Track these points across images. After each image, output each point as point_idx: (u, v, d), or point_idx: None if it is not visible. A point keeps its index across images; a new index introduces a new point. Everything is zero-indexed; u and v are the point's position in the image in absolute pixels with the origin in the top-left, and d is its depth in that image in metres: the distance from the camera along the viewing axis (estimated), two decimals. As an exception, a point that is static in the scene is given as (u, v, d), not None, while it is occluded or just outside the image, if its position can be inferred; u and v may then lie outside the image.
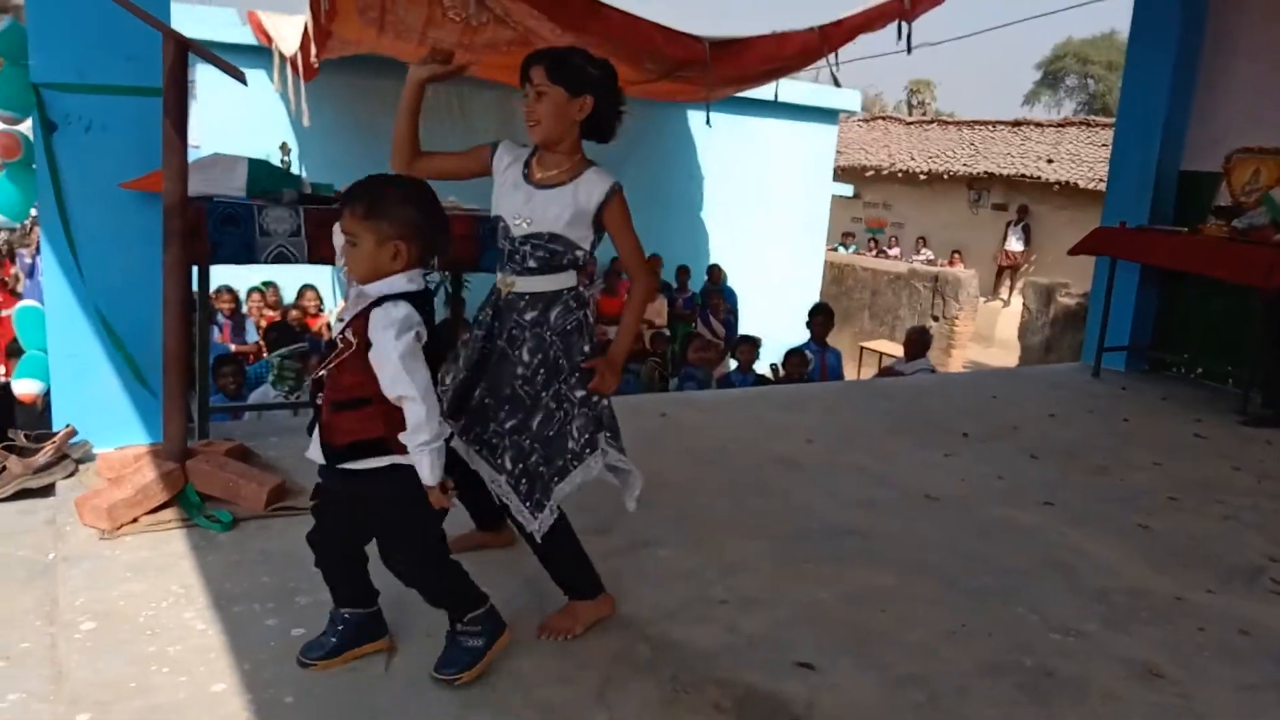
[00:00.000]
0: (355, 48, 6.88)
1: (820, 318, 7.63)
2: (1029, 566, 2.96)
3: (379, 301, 1.94)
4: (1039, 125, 18.71)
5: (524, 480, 2.33)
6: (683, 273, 10.82)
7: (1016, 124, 18.90)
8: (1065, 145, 17.37)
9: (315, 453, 2.05)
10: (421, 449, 1.92)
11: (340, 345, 1.99)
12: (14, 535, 2.83)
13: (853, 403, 4.97)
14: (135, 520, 2.74)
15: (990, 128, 18.95)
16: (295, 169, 4.50)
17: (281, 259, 3.21)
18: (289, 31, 7.27)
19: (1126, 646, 2.49)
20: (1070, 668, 2.36)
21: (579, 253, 2.35)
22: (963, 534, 3.18)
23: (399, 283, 1.97)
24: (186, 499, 2.84)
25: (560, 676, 2.18)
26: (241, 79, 2.78)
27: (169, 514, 2.81)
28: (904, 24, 6.29)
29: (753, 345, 7.11)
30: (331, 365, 1.99)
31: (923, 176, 18.75)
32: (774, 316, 10.95)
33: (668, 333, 10.05)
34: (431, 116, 8.64)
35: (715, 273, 10.88)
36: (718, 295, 10.48)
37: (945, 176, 18.36)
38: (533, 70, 2.30)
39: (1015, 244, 17.04)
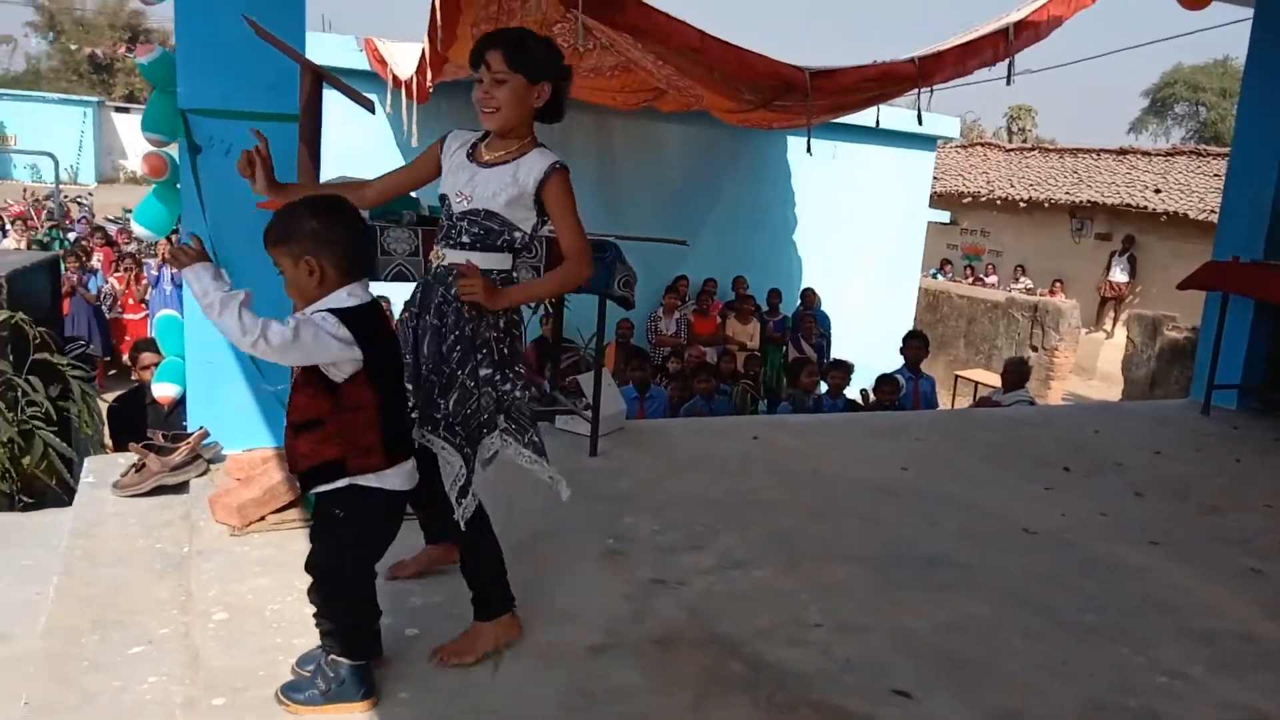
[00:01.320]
0: (463, 72, 7.13)
1: (915, 344, 7.55)
2: (1133, 605, 2.90)
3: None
4: (1146, 154, 18.09)
5: (453, 469, 2.28)
6: (775, 296, 10.82)
7: (1122, 152, 18.32)
8: (1174, 175, 16.77)
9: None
10: (214, 304, 1.87)
11: (294, 367, 2.01)
12: (153, 529, 3.04)
13: (949, 432, 4.92)
14: (262, 519, 2.91)
15: (1094, 156, 18.42)
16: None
17: (400, 277, 3.37)
18: (403, 57, 7.58)
19: (1235, 693, 2.43)
20: (1176, 712, 2.31)
21: (516, 234, 2.31)
22: (1063, 569, 3.13)
23: (338, 298, 1.96)
24: (308, 500, 3.01)
25: (655, 689, 2.24)
26: (370, 108, 2.96)
27: (293, 514, 2.98)
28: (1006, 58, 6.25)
29: (845, 370, 7.08)
30: (290, 388, 2.03)
31: (1022, 204, 18.32)
32: (865, 341, 10.84)
33: (759, 355, 10.06)
34: (534, 140, 8.76)
35: (809, 296, 10.84)
36: (811, 319, 10.45)
37: (1046, 204, 17.92)
38: (490, 55, 2.24)
39: (1119, 275, 16.50)
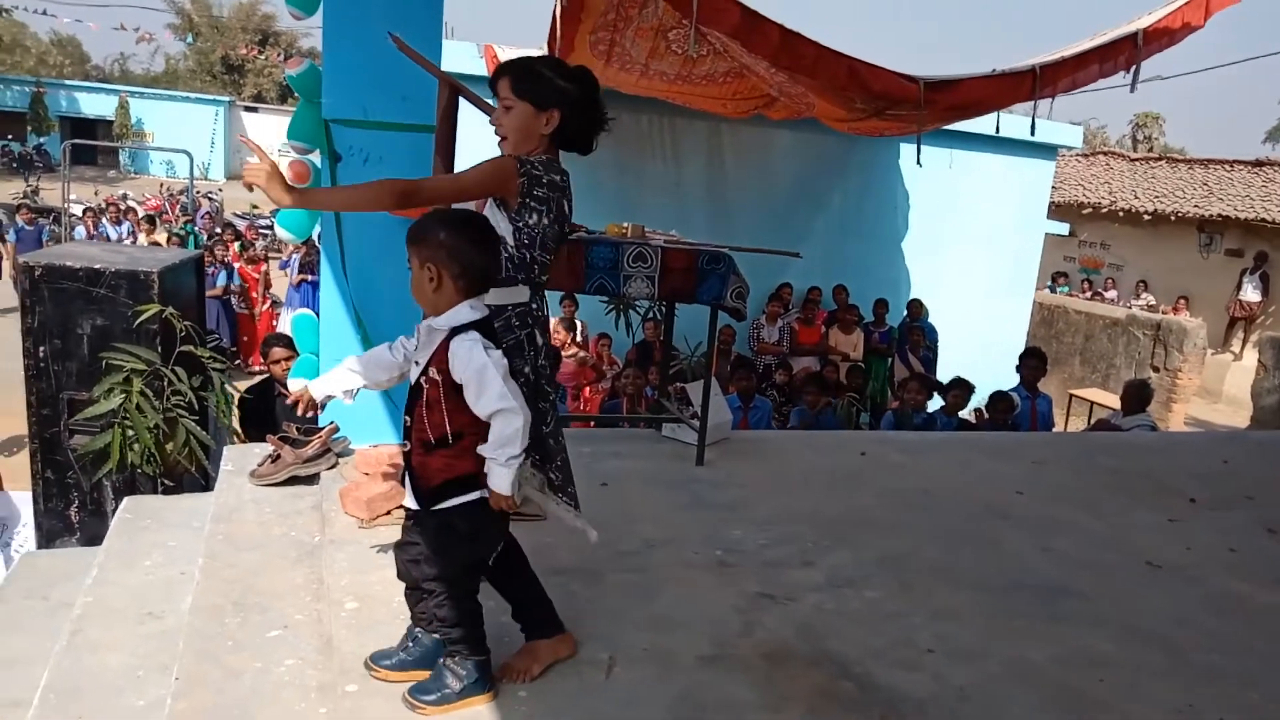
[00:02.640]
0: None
1: (1033, 362, 7.33)
2: (1266, 649, 2.77)
3: (453, 335, 2.02)
4: (1286, 165, 17.09)
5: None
6: (880, 306, 10.63)
7: (1258, 164, 17.33)
8: (1317, 188, 15.81)
9: (409, 500, 2.13)
10: (511, 461, 1.99)
11: (426, 385, 2.05)
12: (287, 517, 3.22)
13: (1066, 455, 4.77)
14: (389, 513, 3.05)
15: (1227, 167, 17.48)
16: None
17: (601, 290, 3.51)
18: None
19: (1380, 749, 2.31)
20: (1313, 764, 2.21)
21: (509, 251, 2.25)
22: (1189, 606, 3.02)
23: (463, 313, 2.03)
24: (429, 498, 3.13)
25: (765, 704, 2.26)
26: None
27: (414, 510, 3.10)
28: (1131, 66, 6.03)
29: (966, 390, 6.90)
30: (418, 407, 2.06)
31: (1147, 216, 17.54)
32: (974, 356, 10.56)
33: (863, 366, 9.92)
34: (643, 149, 9.06)
35: (915, 308, 10.62)
36: (918, 331, 10.23)
37: (1173, 218, 17.11)
38: (499, 83, 2.30)
39: (1251, 294, 15.64)
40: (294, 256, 11.02)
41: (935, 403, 7.70)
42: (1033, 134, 6.84)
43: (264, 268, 11.94)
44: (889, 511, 3.64)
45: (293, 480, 3.46)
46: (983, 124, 9.24)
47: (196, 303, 4.63)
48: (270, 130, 37.76)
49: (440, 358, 2.03)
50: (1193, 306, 15.99)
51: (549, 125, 2.32)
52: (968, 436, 5.64)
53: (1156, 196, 17.66)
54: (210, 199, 22.11)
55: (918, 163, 6.76)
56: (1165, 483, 4.38)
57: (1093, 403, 11.51)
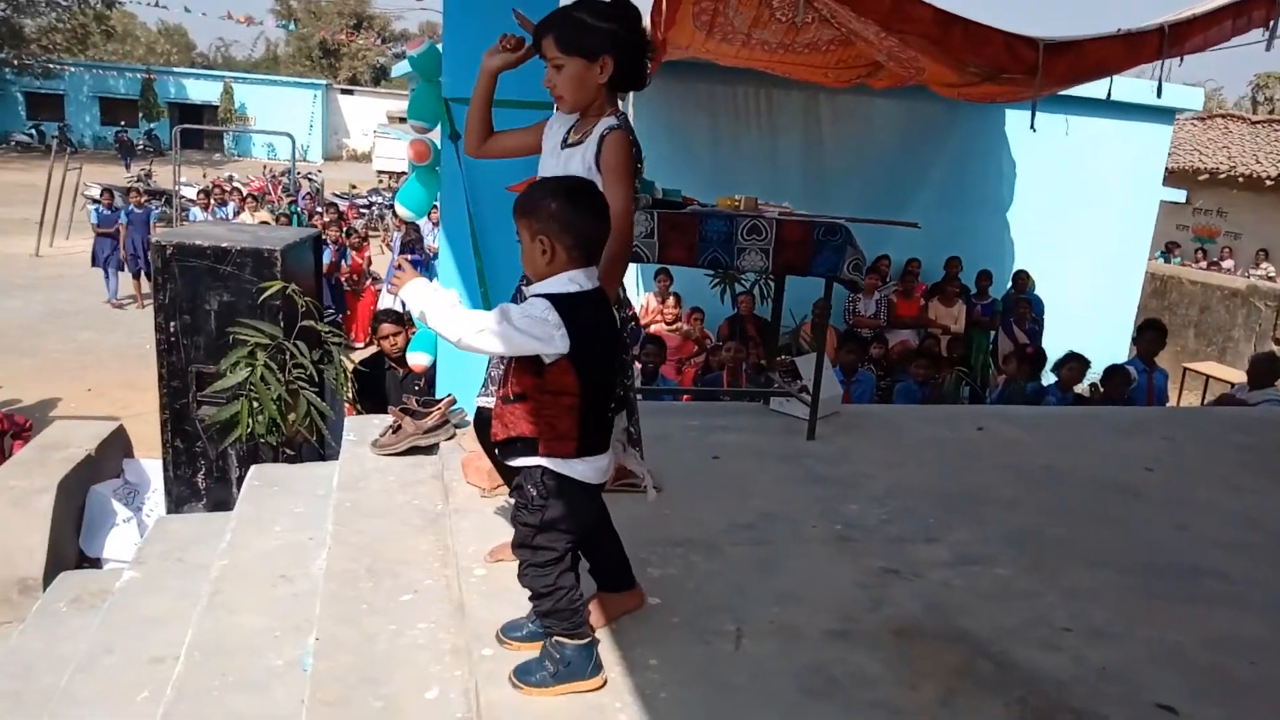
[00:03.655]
0: (681, 53, 7.20)
1: (1151, 334, 7.02)
2: None
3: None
4: None
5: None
6: (984, 278, 10.31)
7: (1396, 122, 16.22)
8: None
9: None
10: (442, 310, 1.92)
11: None
12: (409, 486, 3.29)
13: (1196, 431, 4.56)
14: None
15: (1360, 126, 16.40)
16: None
17: (635, 259, 3.46)
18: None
19: None
20: None
21: None
22: (1345, 591, 2.85)
23: (556, 283, 1.97)
24: (547, 469, 3.17)
25: (899, 680, 2.22)
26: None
27: (533, 481, 3.14)
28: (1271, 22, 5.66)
29: (1081, 364, 6.66)
30: (507, 365, 2.06)
31: (1269, 182, 16.58)
32: (1083, 329, 10.18)
33: (964, 339, 9.65)
34: (738, 120, 8.91)
35: (1021, 279, 10.26)
36: (1024, 303, 9.90)
37: (1298, 182, 16.14)
38: (544, 44, 2.23)
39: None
40: (395, 236, 11.25)
41: (1047, 378, 7.45)
42: (1159, 97, 6.50)
43: (368, 251, 12.23)
44: (1011, 488, 3.54)
45: (413, 450, 3.54)
46: (1094, 88, 8.86)
47: (314, 279, 4.77)
48: (365, 112, 38.74)
49: None
50: (1318, 277, 15.08)
51: (604, 73, 2.26)
52: (1087, 411, 5.43)
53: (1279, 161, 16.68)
54: (310, 180, 22.75)
55: (1031, 128, 6.50)
56: (1307, 461, 4.15)
57: (1208, 377, 10.98)
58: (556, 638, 2.07)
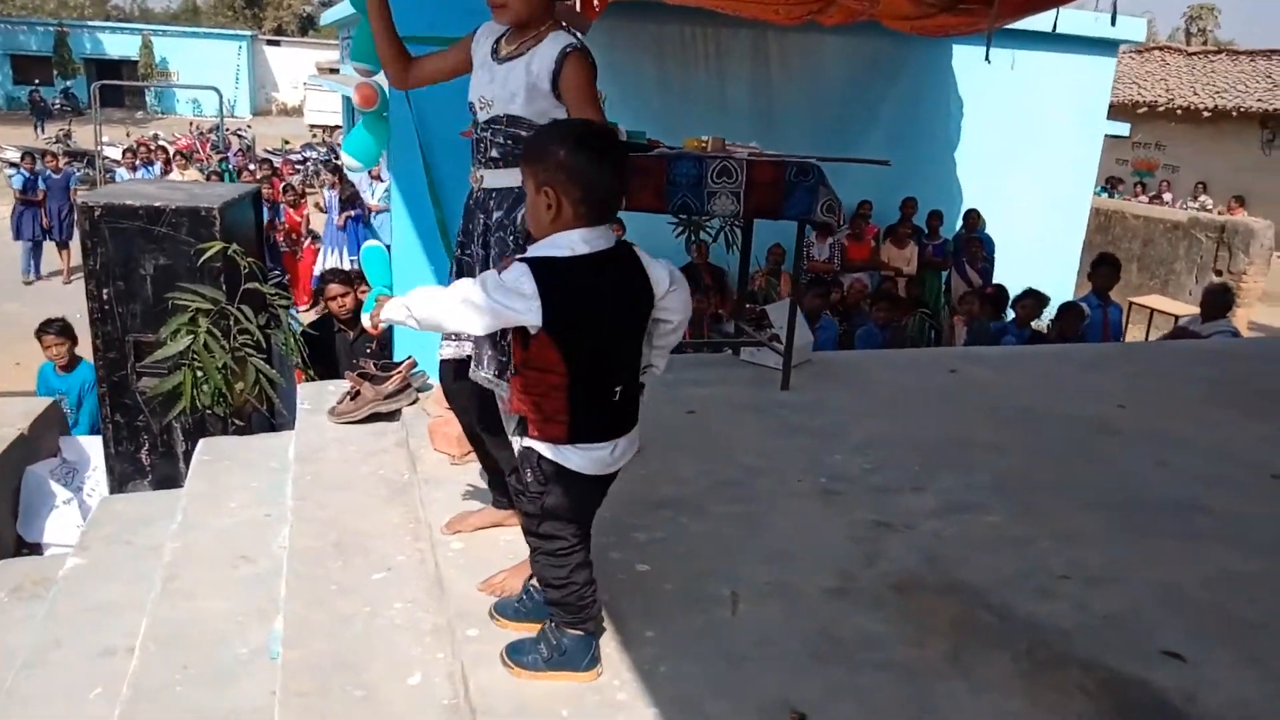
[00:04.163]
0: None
1: (1105, 269, 7.05)
2: None
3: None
4: (1357, 52, 16.25)
5: (479, 345, 2.15)
6: (935, 218, 10.29)
7: (1328, 51, 16.51)
8: (1391, 75, 15.02)
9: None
10: (397, 306, 1.80)
11: None
12: (372, 455, 3.13)
13: (1161, 366, 4.57)
14: (478, 449, 2.93)
15: (1294, 56, 16.67)
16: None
17: None
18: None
19: None
20: None
21: None
22: (1330, 522, 2.85)
23: (557, 242, 1.75)
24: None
25: (906, 639, 2.14)
26: (583, 29, 2.84)
27: (504, 445, 2.99)
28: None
29: (1039, 300, 6.66)
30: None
31: (1206, 114, 16.83)
32: (1033, 267, 10.24)
33: (918, 279, 9.64)
34: (686, 61, 8.69)
35: (973, 218, 10.27)
36: (976, 242, 9.92)
37: (1234, 114, 16.38)
38: None
39: (1315, 189, 15.04)
40: (331, 194, 10.80)
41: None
42: (1113, 25, 6.42)
43: (305, 209, 11.79)
44: (990, 431, 3.48)
45: (374, 417, 3.36)
46: (1040, 21, 8.77)
47: (257, 239, 4.51)
48: (294, 63, 37.36)
49: None
50: (1252, 207, 15.39)
51: None
52: (1053, 349, 5.42)
53: (1217, 92, 16.92)
54: (240, 136, 21.93)
55: (986, 59, 6.39)
56: (1269, 391, 4.18)
57: (1153, 310, 11.16)
58: (557, 625, 1.93)
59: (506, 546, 2.44)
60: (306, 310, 9.83)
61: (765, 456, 3.11)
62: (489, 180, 2.15)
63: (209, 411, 4.07)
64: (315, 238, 11.55)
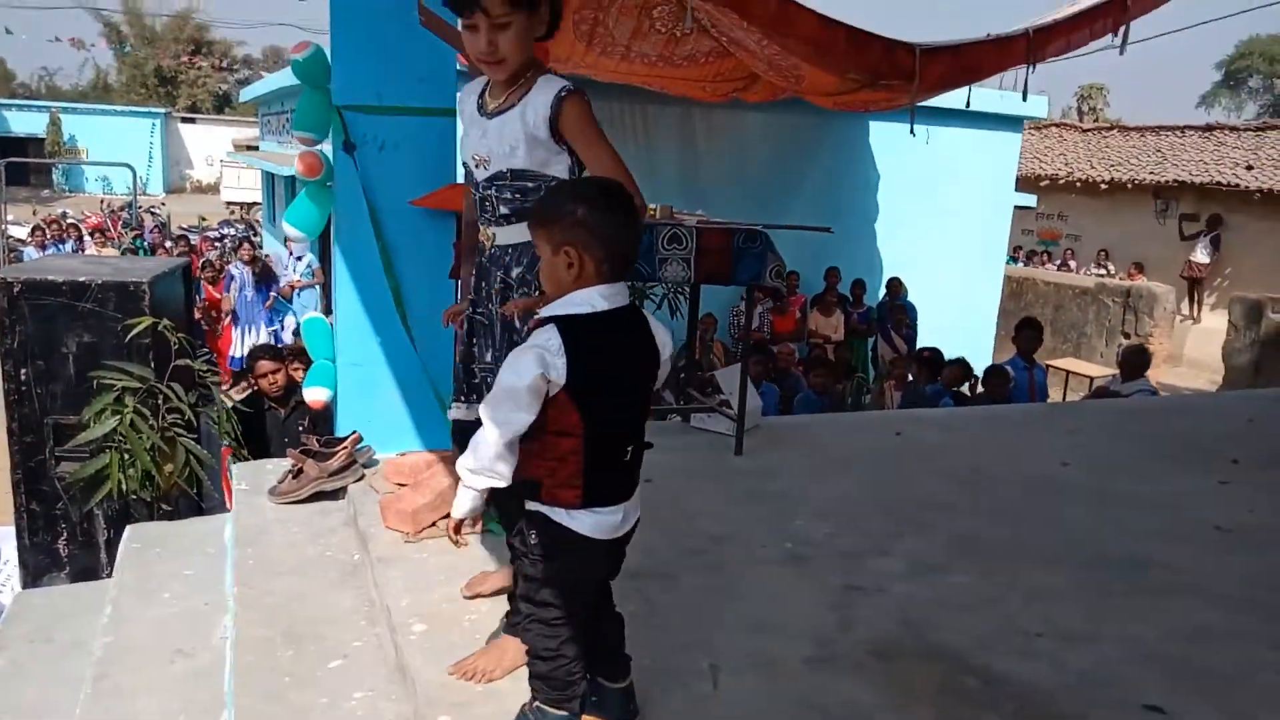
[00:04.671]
0: (561, 66, 7.04)
1: (1028, 332, 7.29)
2: (1368, 610, 2.68)
3: (545, 323, 1.71)
4: (1235, 130, 17.44)
5: None
6: (859, 286, 10.58)
7: (1208, 129, 17.68)
8: (1266, 150, 16.11)
9: None
10: (466, 473, 1.73)
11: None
12: (319, 535, 2.98)
13: (1096, 423, 4.69)
14: (434, 524, 2.82)
15: (1179, 133, 17.80)
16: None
17: None
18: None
19: None
20: None
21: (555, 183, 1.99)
22: (1277, 570, 2.91)
23: (575, 300, 1.71)
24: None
25: (891, 705, 2.09)
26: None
27: (461, 520, 2.88)
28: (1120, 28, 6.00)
29: (965, 368, 6.84)
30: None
31: (1104, 186, 17.76)
32: (951, 332, 10.56)
33: (847, 345, 9.82)
34: (616, 135, 8.78)
35: (895, 286, 10.58)
36: (900, 309, 10.19)
37: (1129, 185, 17.34)
38: (487, 2, 1.91)
39: (1202, 256, 15.91)
40: (243, 270, 10.44)
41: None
42: (1025, 100, 6.75)
43: (224, 285, 11.47)
44: (944, 492, 3.50)
45: (318, 496, 3.22)
46: (953, 98, 9.23)
47: (187, 314, 4.34)
48: (209, 140, 36.88)
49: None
50: (1150, 272, 16.20)
51: (542, 25, 2.01)
52: (992, 410, 5.54)
53: (1112, 165, 17.91)
54: (154, 213, 21.38)
55: (911, 133, 6.66)
56: (1200, 444, 4.32)
57: (1068, 372, 11.56)
58: (539, 704, 1.82)
59: (471, 627, 2.33)
60: (228, 389, 9.50)
61: (728, 523, 3.06)
62: (502, 237, 2.09)
63: (134, 497, 3.86)
64: (235, 317, 11.23)
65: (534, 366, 1.65)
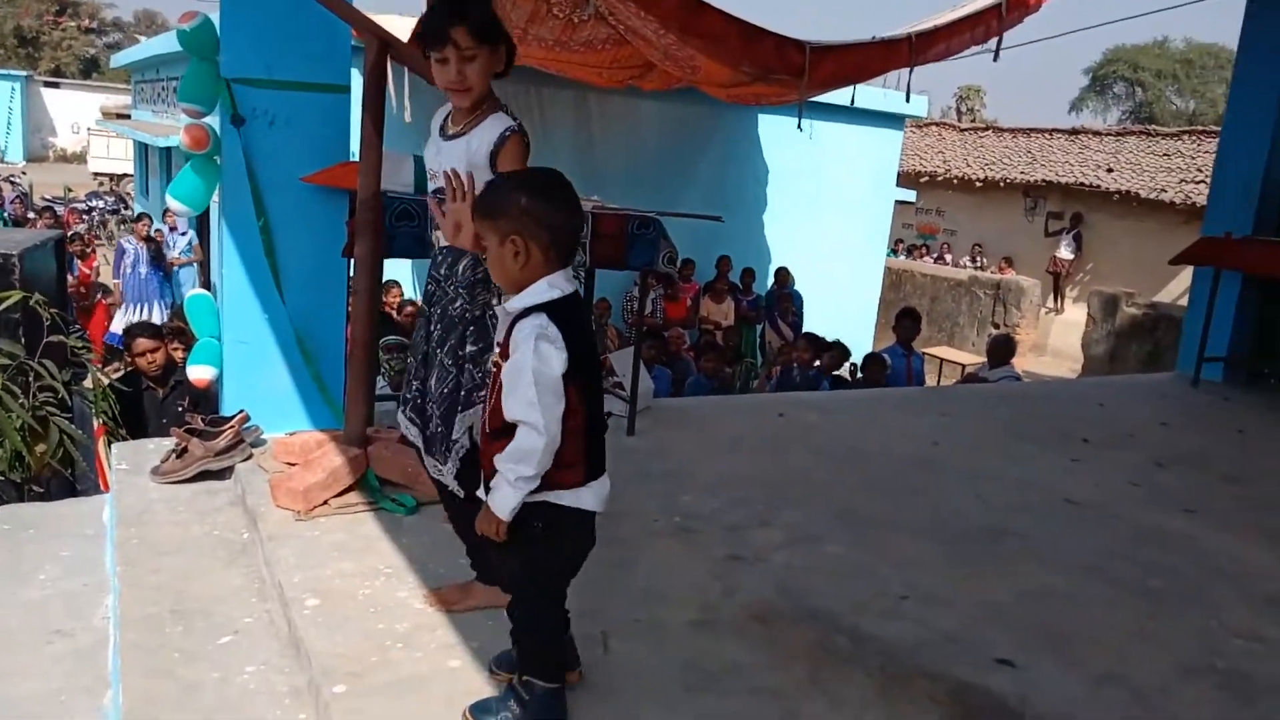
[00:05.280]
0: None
1: (907, 322, 7.64)
2: (1191, 571, 2.98)
3: (522, 316, 1.76)
4: (1097, 134, 18.54)
5: (430, 447, 2.27)
6: (748, 275, 10.85)
7: (1074, 132, 18.74)
8: (1125, 155, 17.20)
9: (482, 490, 1.87)
10: (520, 483, 1.74)
11: (494, 371, 1.83)
12: (205, 515, 2.94)
13: (966, 407, 4.99)
14: (325, 503, 2.82)
15: (1047, 135, 18.80)
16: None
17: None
18: (395, 31, 7.38)
19: (1313, 653, 2.51)
20: (1264, 671, 2.38)
21: None
22: (1117, 539, 3.20)
23: (540, 290, 1.77)
24: (368, 483, 2.93)
25: (769, 664, 2.23)
26: (433, 80, 2.85)
27: (353, 497, 2.89)
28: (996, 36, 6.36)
29: (844, 352, 7.14)
30: (490, 391, 1.85)
31: (978, 183, 18.64)
32: (835, 320, 10.95)
33: (736, 330, 10.07)
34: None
35: (783, 275, 10.89)
36: (786, 298, 10.50)
37: (1001, 184, 18.24)
38: (455, 33, 2.12)
39: (1065, 252, 16.90)
40: (137, 246, 9.98)
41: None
42: (908, 101, 7.07)
43: (95, 261, 10.94)
44: (823, 470, 3.69)
45: (203, 475, 3.16)
46: (839, 96, 9.56)
47: (58, 288, 4.17)
48: (75, 107, 34.78)
49: (507, 342, 1.78)
50: (1016, 266, 17.11)
51: (501, 61, 2.23)
52: (871, 394, 5.82)
53: (986, 164, 18.78)
54: (13, 183, 20.08)
55: (799, 127, 6.89)
56: (1058, 427, 4.65)
57: (941, 360, 12.14)
58: (528, 677, 1.89)
59: (366, 601, 2.36)
60: (101, 370, 9.08)
61: (621, 500, 3.10)
62: (442, 240, 2.28)
63: (3, 477, 3.69)
64: (105, 292, 10.72)
65: (556, 352, 1.70)
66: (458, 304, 2.22)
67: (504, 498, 1.76)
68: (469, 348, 2.19)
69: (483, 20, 2.18)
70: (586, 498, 1.84)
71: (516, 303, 1.78)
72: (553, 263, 1.78)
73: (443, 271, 2.26)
